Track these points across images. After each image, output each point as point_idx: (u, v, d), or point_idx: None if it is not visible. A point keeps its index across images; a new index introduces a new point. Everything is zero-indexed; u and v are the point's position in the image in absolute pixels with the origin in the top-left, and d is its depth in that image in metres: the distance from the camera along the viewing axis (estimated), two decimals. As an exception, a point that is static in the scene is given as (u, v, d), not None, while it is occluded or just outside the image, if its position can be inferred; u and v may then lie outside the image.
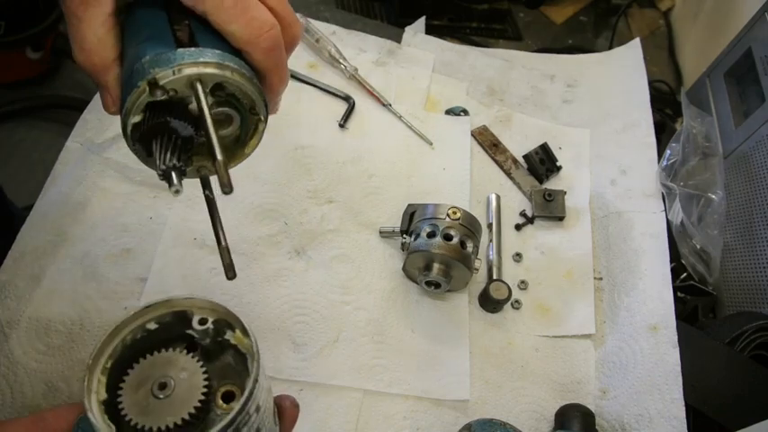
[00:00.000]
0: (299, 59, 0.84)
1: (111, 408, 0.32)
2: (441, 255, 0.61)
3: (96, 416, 0.31)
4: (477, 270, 0.64)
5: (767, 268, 0.69)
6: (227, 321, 0.35)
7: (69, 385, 0.54)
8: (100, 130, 0.70)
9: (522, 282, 0.70)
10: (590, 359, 0.65)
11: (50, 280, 0.59)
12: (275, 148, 0.73)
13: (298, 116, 0.77)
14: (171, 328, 0.36)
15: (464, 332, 0.64)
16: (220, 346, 0.36)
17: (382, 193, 0.73)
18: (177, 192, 0.36)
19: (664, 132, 0.95)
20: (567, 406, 0.59)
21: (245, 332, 0.35)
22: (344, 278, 0.66)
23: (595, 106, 0.88)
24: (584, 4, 1.23)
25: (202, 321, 0.35)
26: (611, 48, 1.06)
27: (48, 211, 0.64)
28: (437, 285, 0.63)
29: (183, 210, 0.66)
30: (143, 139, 0.36)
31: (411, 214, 0.67)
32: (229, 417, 0.30)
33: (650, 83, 0.89)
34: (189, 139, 0.37)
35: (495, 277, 0.68)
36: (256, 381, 0.32)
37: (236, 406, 0.31)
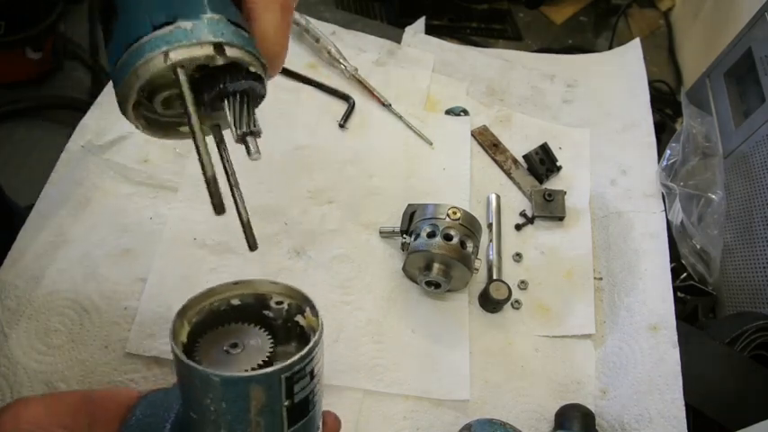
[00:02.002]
0: (299, 59, 0.84)
1: (187, 355, 0.35)
2: (441, 255, 0.61)
3: (178, 352, 0.33)
4: (477, 270, 0.64)
5: (767, 268, 0.69)
6: (299, 305, 0.38)
7: (69, 385, 0.54)
8: (100, 132, 0.70)
9: (522, 282, 0.70)
10: (590, 359, 0.65)
11: (50, 280, 0.59)
12: (275, 147, 0.73)
13: (297, 116, 0.77)
14: (250, 308, 0.38)
15: (464, 332, 0.64)
16: (289, 332, 0.39)
17: (382, 193, 0.73)
18: (257, 158, 0.35)
19: (664, 132, 0.95)
20: (567, 406, 0.59)
21: (314, 311, 0.38)
22: (344, 278, 0.66)
23: (595, 106, 0.88)
24: (584, 4, 1.23)
25: (279, 302, 0.38)
26: (611, 48, 1.06)
27: (48, 212, 0.64)
28: (437, 285, 0.63)
29: (183, 210, 0.66)
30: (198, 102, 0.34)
31: (411, 214, 0.67)
32: (290, 360, 0.33)
33: (650, 83, 0.89)
34: (258, 99, 0.36)
35: (495, 277, 0.68)
36: (318, 342, 0.35)
37: (296, 355, 0.33)
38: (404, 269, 0.66)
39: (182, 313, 0.36)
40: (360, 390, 0.59)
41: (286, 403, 0.33)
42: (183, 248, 0.64)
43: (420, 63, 0.88)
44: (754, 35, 0.80)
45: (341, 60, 0.82)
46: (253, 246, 0.37)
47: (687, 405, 0.58)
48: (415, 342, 0.63)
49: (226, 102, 0.34)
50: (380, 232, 0.69)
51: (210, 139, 0.37)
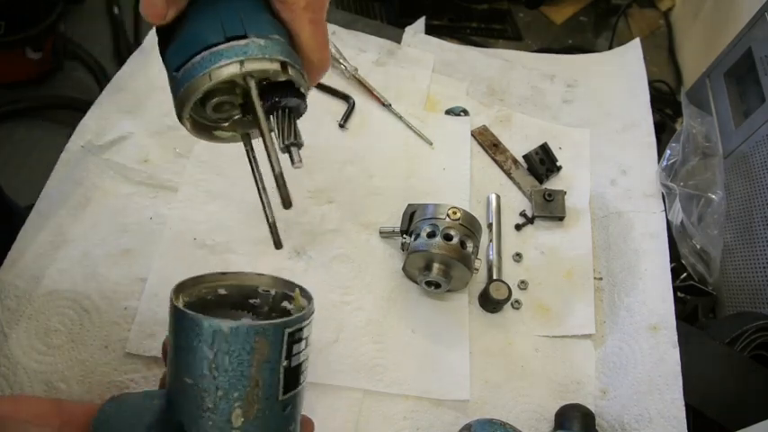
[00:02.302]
0: (299, 59, 0.84)
1: None
2: (441, 255, 0.61)
3: (183, 308, 0.35)
4: (477, 270, 0.64)
5: (767, 268, 0.69)
6: (285, 293, 0.40)
7: (69, 385, 0.54)
8: (100, 132, 0.70)
9: (522, 282, 0.70)
10: (590, 359, 0.65)
11: (50, 280, 0.59)
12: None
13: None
14: (237, 296, 0.40)
15: (464, 332, 0.64)
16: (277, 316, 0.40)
17: (382, 193, 0.73)
18: (299, 166, 0.39)
19: (664, 132, 0.95)
20: (567, 406, 0.59)
21: (304, 292, 0.39)
22: (344, 278, 0.66)
23: (595, 106, 0.88)
24: (584, 4, 1.23)
25: (266, 290, 0.40)
26: (611, 48, 1.06)
27: (48, 212, 0.64)
28: (437, 285, 0.63)
29: (183, 210, 0.66)
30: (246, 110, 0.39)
31: (411, 214, 0.67)
32: (293, 316, 0.35)
33: (650, 83, 0.89)
34: (300, 115, 0.40)
35: (495, 277, 0.68)
36: (312, 311, 0.37)
37: (298, 313, 0.35)
38: (404, 269, 0.66)
39: (178, 290, 0.37)
40: (360, 390, 0.59)
41: (285, 363, 0.35)
42: (183, 248, 0.64)
43: (420, 63, 0.88)
44: (754, 35, 0.80)
45: (341, 60, 0.82)
46: (278, 244, 0.39)
47: (687, 405, 0.58)
48: (415, 342, 0.63)
49: (274, 114, 0.38)
50: (380, 232, 0.69)
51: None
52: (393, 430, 0.58)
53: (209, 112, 0.39)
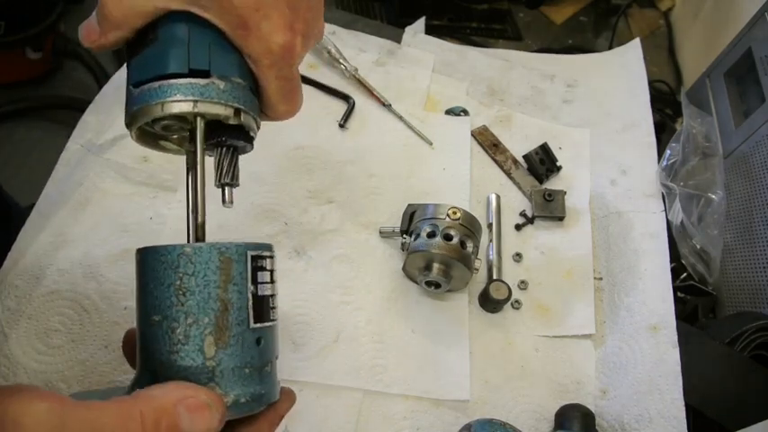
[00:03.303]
0: (299, 59, 0.84)
1: None
2: (441, 255, 0.61)
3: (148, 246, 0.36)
4: (477, 270, 0.64)
5: (767, 268, 0.68)
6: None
7: (69, 385, 0.54)
8: (100, 131, 0.70)
9: (522, 282, 0.70)
10: (590, 359, 0.65)
11: (50, 280, 0.59)
12: (275, 147, 0.73)
13: (297, 116, 0.77)
14: None
15: (464, 332, 0.64)
16: None
17: (382, 193, 0.73)
18: (229, 207, 0.40)
19: (664, 132, 0.95)
20: (567, 406, 0.59)
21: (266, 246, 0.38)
22: (344, 278, 0.66)
23: (595, 106, 0.88)
24: (584, 4, 1.23)
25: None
26: (611, 48, 1.06)
27: (48, 212, 0.64)
28: (437, 285, 0.63)
29: (183, 210, 0.66)
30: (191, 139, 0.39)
31: (411, 214, 0.67)
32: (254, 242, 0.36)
33: (650, 83, 0.89)
34: (243, 151, 0.41)
35: (495, 277, 0.68)
36: (274, 253, 0.38)
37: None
38: (404, 269, 0.66)
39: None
40: (360, 390, 0.59)
41: (251, 288, 0.35)
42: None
43: (420, 63, 0.88)
44: (754, 35, 0.80)
45: (341, 60, 0.82)
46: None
47: (687, 405, 0.58)
48: (415, 342, 0.63)
49: (217, 149, 0.39)
50: (380, 232, 0.69)
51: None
52: (393, 430, 0.58)
53: (156, 128, 0.40)
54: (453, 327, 0.65)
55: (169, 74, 0.36)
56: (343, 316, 0.63)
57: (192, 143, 0.38)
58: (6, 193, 0.85)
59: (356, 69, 0.82)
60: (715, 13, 1.05)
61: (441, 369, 0.62)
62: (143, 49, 0.37)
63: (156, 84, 0.36)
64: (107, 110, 0.71)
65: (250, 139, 0.40)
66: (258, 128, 0.41)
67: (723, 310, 0.74)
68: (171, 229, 0.65)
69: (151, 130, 0.41)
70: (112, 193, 0.67)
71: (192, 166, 0.39)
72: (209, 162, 0.39)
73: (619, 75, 0.91)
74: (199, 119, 0.37)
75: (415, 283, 0.66)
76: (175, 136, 0.43)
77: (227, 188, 0.40)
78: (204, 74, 0.36)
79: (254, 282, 0.35)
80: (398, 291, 0.66)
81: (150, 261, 0.35)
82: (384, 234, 0.69)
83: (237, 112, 0.37)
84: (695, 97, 0.92)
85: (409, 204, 0.68)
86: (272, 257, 0.38)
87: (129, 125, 0.38)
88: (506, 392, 0.62)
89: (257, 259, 0.36)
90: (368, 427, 0.58)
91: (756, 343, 0.63)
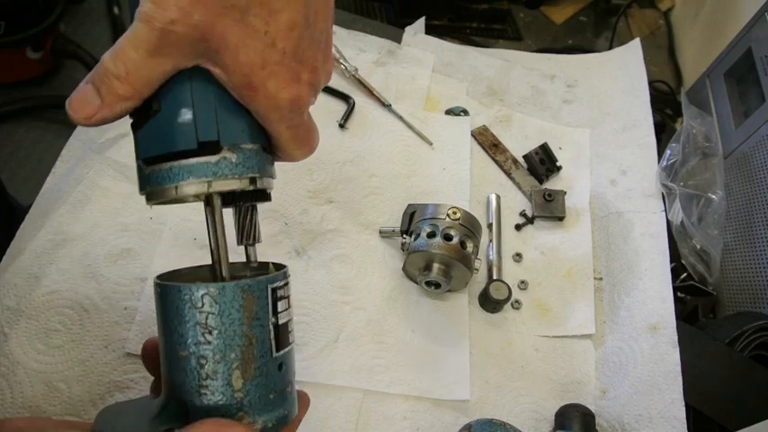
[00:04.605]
0: (299, 59, 0.84)
1: None
2: (441, 255, 0.61)
3: (169, 283, 0.36)
4: (477, 270, 0.64)
5: (767, 268, 0.68)
6: (260, 273, 0.40)
7: (69, 385, 0.54)
8: (101, 130, 0.70)
9: (522, 282, 0.70)
10: (590, 359, 0.65)
11: (50, 280, 0.59)
12: (275, 148, 0.73)
13: (298, 116, 0.77)
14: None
15: (464, 332, 0.64)
16: None
17: (382, 193, 0.73)
18: (254, 266, 0.40)
19: (664, 132, 0.95)
20: (567, 406, 0.59)
21: (276, 264, 0.40)
22: (344, 278, 0.66)
23: (595, 106, 0.88)
24: (584, 4, 1.23)
25: (241, 272, 0.40)
26: (611, 48, 1.06)
27: (47, 210, 0.64)
28: (437, 285, 0.63)
29: (183, 210, 0.66)
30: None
31: (411, 214, 0.67)
32: (272, 274, 0.36)
33: (650, 83, 0.89)
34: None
35: (495, 277, 0.68)
36: (288, 274, 0.38)
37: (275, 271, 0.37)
38: (404, 269, 0.66)
39: (159, 279, 0.38)
40: (360, 390, 0.59)
41: (273, 319, 0.36)
42: (183, 248, 0.64)
43: (420, 63, 0.88)
44: (754, 35, 0.80)
45: (341, 60, 0.82)
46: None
47: (687, 405, 0.58)
48: (415, 342, 0.63)
49: (235, 210, 0.38)
50: (380, 232, 0.69)
51: None
52: (393, 430, 0.58)
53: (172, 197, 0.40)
54: (453, 327, 0.65)
55: (179, 152, 0.35)
56: (343, 316, 0.63)
57: (209, 207, 0.37)
58: (8, 193, 0.85)
59: (356, 69, 0.82)
60: (715, 13, 1.05)
61: (441, 369, 0.62)
62: (148, 120, 0.35)
63: (167, 165, 0.35)
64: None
65: (268, 196, 0.40)
66: (274, 183, 0.40)
67: (723, 310, 0.74)
68: (171, 230, 0.65)
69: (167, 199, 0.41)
70: (113, 192, 0.66)
71: (211, 225, 0.38)
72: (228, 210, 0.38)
73: (619, 75, 0.91)
74: (215, 195, 0.36)
75: (415, 283, 0.66)
76: (191, 198, 0.42)
77: (250, 248, 0.40)
78: (214, 146, 0.35)
79: (275, 313, 0.36)
80: (398, 291, 0.66)
81: (173, 299, 0.35)
82: (384, 234, 0.69)
83: (253, 180, 0.37)
84: (695, 97, 0.92)
85: (409, 204, 0.68)
86: (287, 283, 0.38)
87: (146, 199, 0.38)
88: (506, 392, 0.62)
89: (276, 290, 0.36)
90: (368, 427, 0.58)
91: (756, 343, 0.63)
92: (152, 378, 0.42)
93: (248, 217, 0.39)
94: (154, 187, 0.36)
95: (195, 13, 0.31)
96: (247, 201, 0.38)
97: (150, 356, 0.41)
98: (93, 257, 0.62)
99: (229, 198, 0.38)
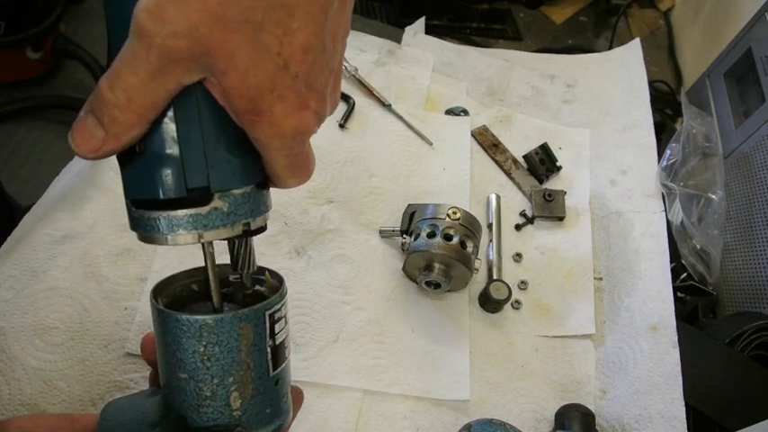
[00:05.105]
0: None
1: None
2: (441, 255, 0.61)
3: (167, 311, 0.35)
4: (477, 270, 0.64)
5: (767, 268, 0.68)
6: (257, 278, 0.41)
7: (69, 384, 0.54)
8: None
9: (522, 282, 0.70)
10: (590, 359, 0.65)
11: (50, 278, 0.59)
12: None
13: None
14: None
15: (464, 332, 0.64)
16: (252, 301, 0.40)
17: (382, 193, 0.73)
18: (250, 290, 0.40)
19: (664, 132, 0.95)
20: (567, 406, 0.59)
21: (273, 273, 0.40)
22: (344, 278, 0.66)
23: (595, 106, 0.88)
24: (584, 4, 1.23)
25: (236, 277, 0.40)
26: (611, 48, 1.06)
27: (47, 209, 0.64)
28: (437, 285, 0.63)
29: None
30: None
31: (411, 214, 0.67)
32: (270, 298, 0.36)
33: (650, 83, 0.89)
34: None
35: (495, 277, 0.68)
36: (286, 291, 0.38)
37: (273, 295, 0.37)
38: (404, 269, 0.66)
39: (156, 293, 0.38)
40: (360, 390, 0.59)
41: (270, 343, 0.36)
42: (183, 248, 0.64)
43: (420, 63, 0.88)
44: (754, 35, 0.80)
45: (341, 60, 0.82)
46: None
47: (687, 405, 0.58)
48: (415, 342, 0.63)
49: (229, 244, 0.37)
50: (380, 232, 0.69)
51: None
52: (393, 430, 0.58)
53: None
54: (453, 327, 0.65)
55: (166, 200, 0.32)
56: (343, 316, 0.63)
57: (202, 248, 0.36)
58: (7, 193, 0.85)
59: (356, 69, 0.82)
60: (715, 13, 1.05)
61: (441, 369, 0.62)
62: (132, 161, 0.32)
63: (156, 214, 0.33)
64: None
65: (263, 229, 0.38)
66: (270, 208, 0.39)
67: (723, 310, 0.74)
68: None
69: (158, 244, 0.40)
70: (113, 192, 0.66)
71: (205, 260, 0.38)
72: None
73: (619, 75, 0.91)
74: (206, 244, 0.35)
75: (415, 283, 0.66)
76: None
77: (246, 279, 0.40)
78: (204, 192, 0.32)
79: (273, 336, 0.36)
80: (398, 291, 0.66)
81: (171, 327, 0.35)
82: (384, 234, 0.69)
83: (246, 224, 0.35)
84: (695, 97, 0.92)
85: (409, 204, 0.68)
86: (284, 302, 0.38)
87: (138, 238, 0.36)
88: (506, 392, 0.62)
89: (274, 314, 0.36)
90: (368, 427, 0.58)
91: (756, 343, 0.63)
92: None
93: (244, 248, 0.38)
94: (144, 233, 0.34)
95: (202, 25, 0.28)
96: (242, 237, 0.37)
97: (150, 350, 0.41)
98: (94, 257, 0.62)
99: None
